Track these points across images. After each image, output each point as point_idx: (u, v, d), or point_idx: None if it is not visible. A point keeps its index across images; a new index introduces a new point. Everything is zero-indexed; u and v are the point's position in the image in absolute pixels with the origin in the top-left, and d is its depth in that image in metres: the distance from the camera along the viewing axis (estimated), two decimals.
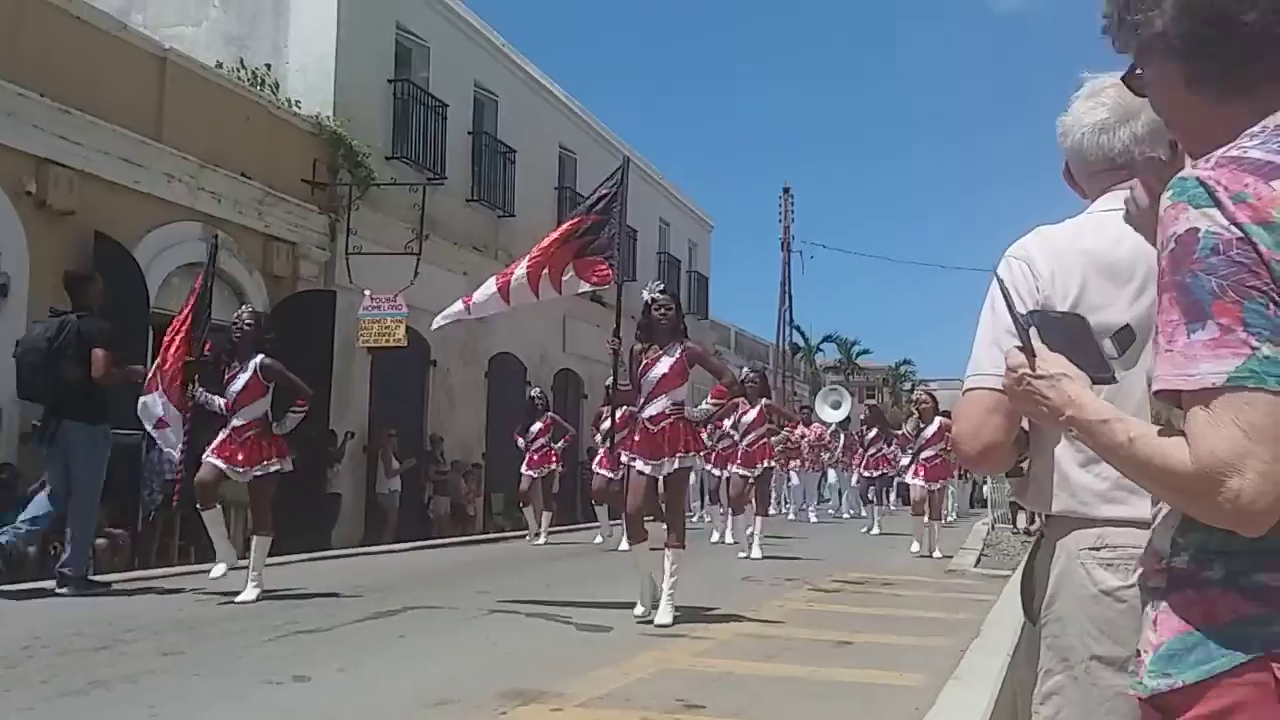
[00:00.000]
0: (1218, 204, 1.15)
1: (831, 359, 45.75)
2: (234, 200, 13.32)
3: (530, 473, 13.38)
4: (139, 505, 11.49)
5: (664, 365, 7.21)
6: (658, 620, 6.77)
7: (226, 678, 5.18)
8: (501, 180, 19.24)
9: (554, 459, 13.58)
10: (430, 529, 15.76)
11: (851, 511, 21.42)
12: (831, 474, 21.50)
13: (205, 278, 8.57)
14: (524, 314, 19.29)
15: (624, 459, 7.25)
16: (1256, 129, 1.21)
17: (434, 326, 8.79)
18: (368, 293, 14.58)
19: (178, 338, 8.15)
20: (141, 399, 8.15)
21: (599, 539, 12.67)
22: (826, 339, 43.72)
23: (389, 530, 15.01)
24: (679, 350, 7.25)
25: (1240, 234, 1.13)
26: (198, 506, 7.77)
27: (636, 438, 7.19)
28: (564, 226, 8.11)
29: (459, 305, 8.28)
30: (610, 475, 12.48)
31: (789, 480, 20.04)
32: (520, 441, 13.73)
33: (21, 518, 7.96)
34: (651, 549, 7.05)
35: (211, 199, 12.94)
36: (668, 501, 7.32)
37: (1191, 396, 1.13)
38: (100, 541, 10.25)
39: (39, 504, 7.92)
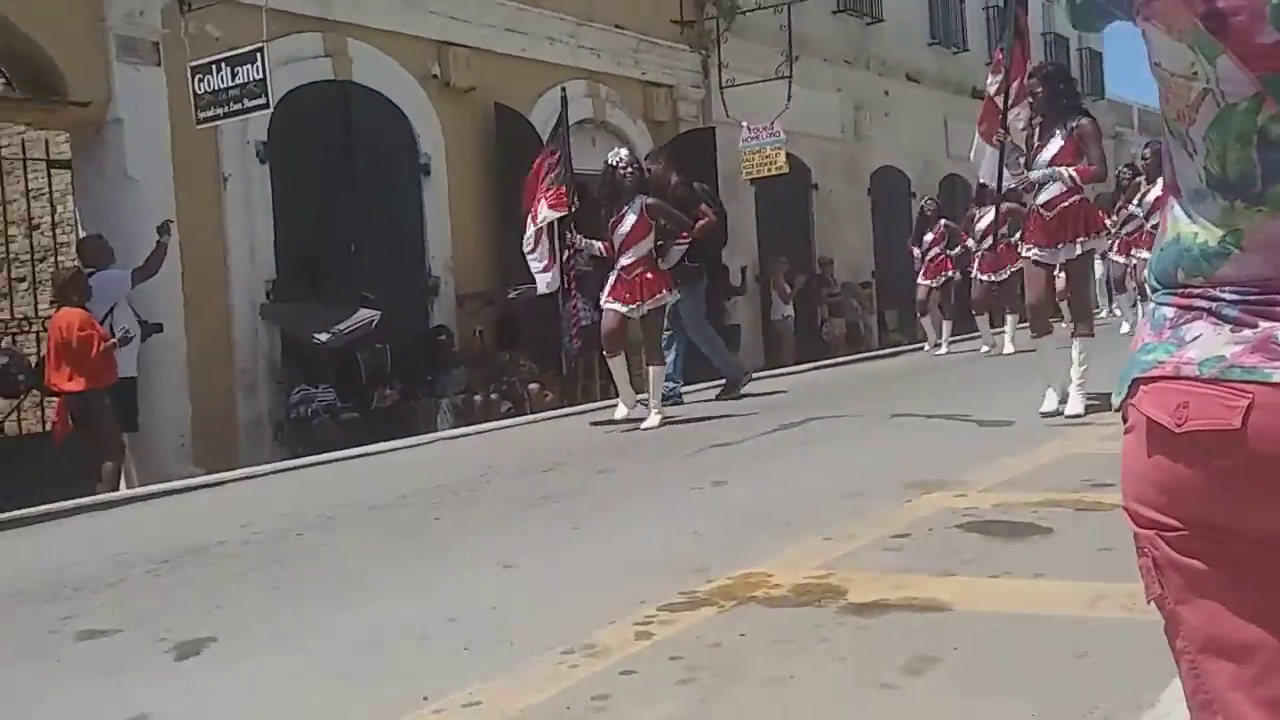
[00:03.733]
0: None
1: None
2: (611, 53, 13.89)
3: (926, 282, 13.29)
4: (560, 352, 12.66)
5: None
6: (1068, 411, 6.66)
7: (653, 486, 5.79)
8: None
9: (950, 266, 13.37)
10: (826, 351, 16.12)
11: None
12: None
13: (564, 130, 8.99)
14: (902, 123, 18.96)
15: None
16: None
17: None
18: (745, 124, 14.83)
19: (541, 187, 8.69)
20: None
21: (984, 348, 12.38)
22: None
23: (787, 354, 15.53)
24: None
25: None
26: (605, 353, 8.38)
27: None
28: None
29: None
30: (988, 278, 12.20)
31: None
32: (915, 252, 13.64)
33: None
34: (1057, 348, 6.92)
35: (591, 55, 13.58)
36: (1071, 291, 7.05)
37: None
38: (533, 386, 11.49)
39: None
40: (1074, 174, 6.72)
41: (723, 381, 9.82)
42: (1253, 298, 1.14)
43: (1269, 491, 1.11)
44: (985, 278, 12.26)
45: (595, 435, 8.17)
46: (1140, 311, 12.56)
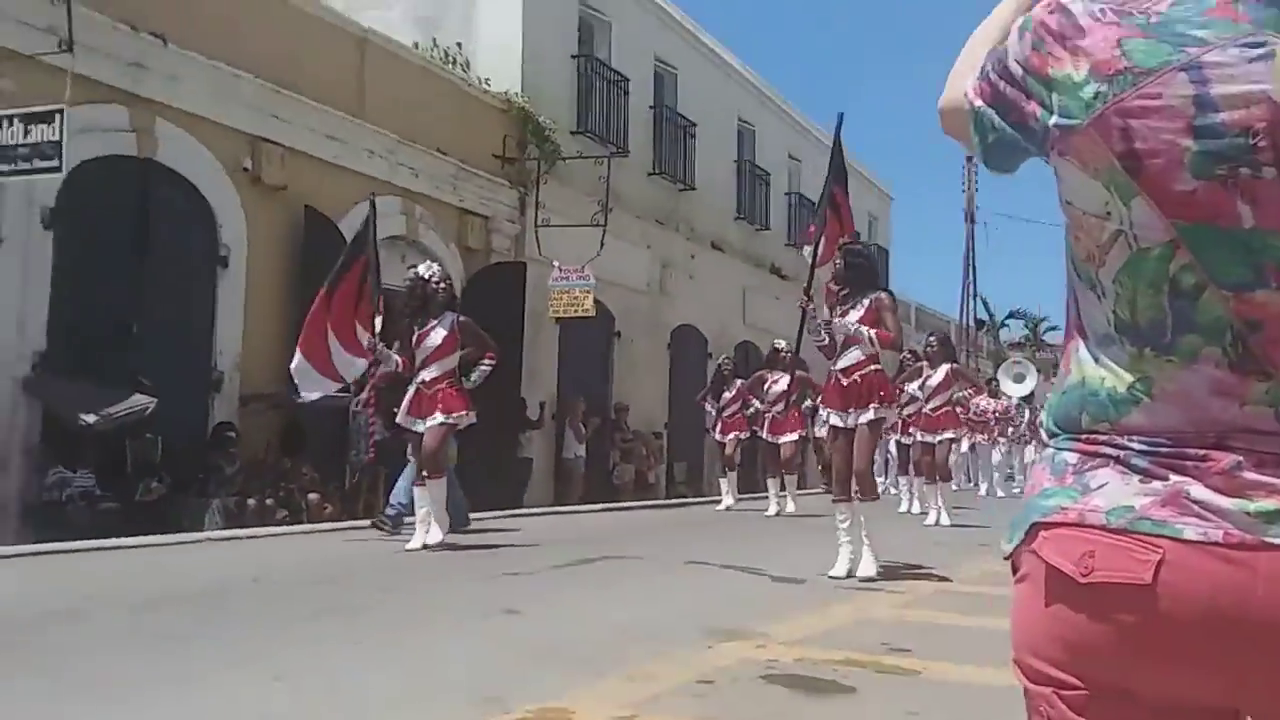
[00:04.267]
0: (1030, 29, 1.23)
1: (1017, 335, 44.46)
2: (430, 175, 13.83)
3: (730, 436, 13.48)
4: (345, 463, 12.13)
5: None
6: (860, 573, 6.75)
7: (442, 610, 5.45)
8: (682, 153, 19.37)
9: (744, 426, 13.68)
10: (615, 494, 16.08)
11: None
12: (1025, 449, 20.79)
13: (370, 238, 8.74)
14: (704, 286, 19.58)
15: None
16: None
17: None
18: (557, 264, 14.95)
19: (344, 295, 8.36)
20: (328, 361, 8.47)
21: (772, 509, 12.57)
22: (1011, 315, 42.48)
23: (575, 493, 15.42)
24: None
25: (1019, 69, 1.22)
26: (424, 474, 7.82)
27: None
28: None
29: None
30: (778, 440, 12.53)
31: (974, 454, 19.57)
32: (708, 407, 13.88)
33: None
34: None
35: (409, 174, 13.48)
36: (857, 456, 7.16)
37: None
38: (312, 496, 10.94)
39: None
40: (875, 335, 6.97)
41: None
42: (1164, 450, 1.10)
43: (1176, 655, 1.05)
44: (775, 439, 12.56)
45: (378, 551, 7.74)
46: (914, 491, 13.19)
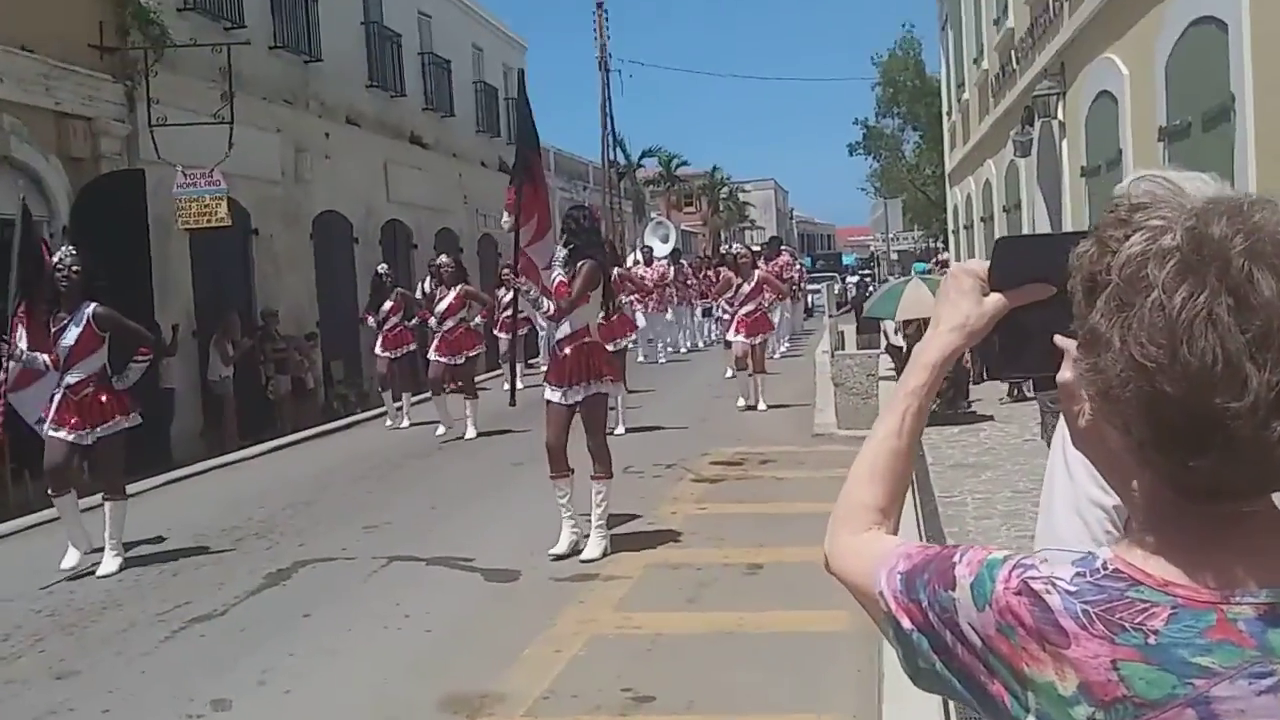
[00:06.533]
0: (990, 603, 1.01)
1: (652, 171, 45.55)
2: (17, 78, 11.87)
3: (386, 354, 12.90)
4: None
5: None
6: (585, 554, 6.70)
7: (138, 711, 4.84)
8: (304, 21, 17.78)
9: (410, 339, 13.14)
10: (271, 410, 15.14)
11: (688, 345, 21.74)
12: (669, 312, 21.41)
13: (23, 236, 7.60)
14: (343, 166, 18.42)
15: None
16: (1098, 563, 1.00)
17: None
18: (180, 168, 13.46)
19: None
20: None
21: (440, 429, 12.22)
22: (646, 154, 43.44)
23: (229, 418, 14.37)
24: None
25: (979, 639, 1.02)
26: (49, 493, 7.09)
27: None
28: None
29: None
30: (447, 359, 12.18)
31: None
32: (370, 320, 13.20)
33: None
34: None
35: None
36: (589, 432, 6.95)
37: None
38: None
39: None
40: (551, 301, 6.77)
41: None
42: None
43: None
44: (443, 359, 12.17)
45: (33, 585, 6.80)
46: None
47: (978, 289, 1.22)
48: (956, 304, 1.23)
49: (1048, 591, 0.99)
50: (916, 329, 11.43)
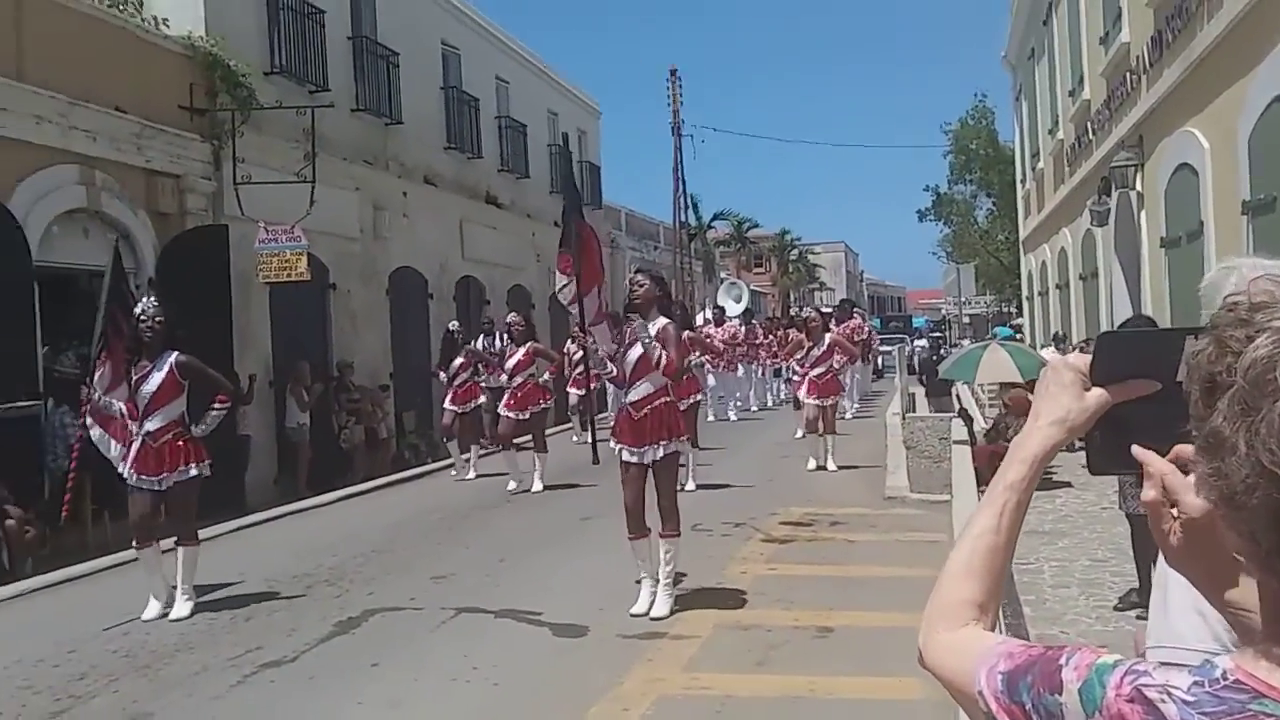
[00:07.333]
0: (1100, 709, 0.96)
1: (723, 232, 45.93)
2: (110, 137, 12.33)
3: (454, 408, 13.01)
4: (44, 475, 10.91)
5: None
6: (654, 612, 6.69)
7: None
8: (386, 85, 18.26)
9: (478, 393, 13.26)
10: (344, 459, 15.35)
11: (757, 404, 21.64)
12: (740, 369, 21.40)
13: (113, 283, 7.87)
14: (419, 225, 18.78)
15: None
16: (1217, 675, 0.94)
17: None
18: (263, 224, 13.83)
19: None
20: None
21: (511, 484, 12.23)
22: (718, 216, 43.99)
23: (303, 464, 14.59)
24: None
25: None
26: (134, 544, 7.25)
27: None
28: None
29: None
30: (515, 415, 12.27)
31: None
32: (442, 375, 13.36)
33: None
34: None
35: (86, 138, 11.97)
36: (659, 491, 6.91)
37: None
38: (10, 522, 9.73)
39: None
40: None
41: None
42: None
43: None
44: (511, 415, 12.24)
45: (108, 625, 6.90)
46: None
47: (1079, 383, 1.21)
48: (1057, 398, 1.21)
49: (1163, 700, 0.93)
50: (1018, 425, 11.26)
